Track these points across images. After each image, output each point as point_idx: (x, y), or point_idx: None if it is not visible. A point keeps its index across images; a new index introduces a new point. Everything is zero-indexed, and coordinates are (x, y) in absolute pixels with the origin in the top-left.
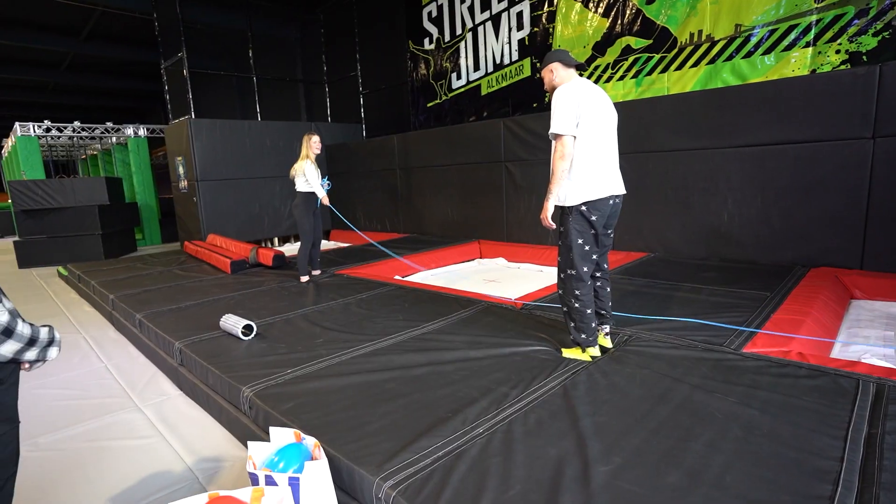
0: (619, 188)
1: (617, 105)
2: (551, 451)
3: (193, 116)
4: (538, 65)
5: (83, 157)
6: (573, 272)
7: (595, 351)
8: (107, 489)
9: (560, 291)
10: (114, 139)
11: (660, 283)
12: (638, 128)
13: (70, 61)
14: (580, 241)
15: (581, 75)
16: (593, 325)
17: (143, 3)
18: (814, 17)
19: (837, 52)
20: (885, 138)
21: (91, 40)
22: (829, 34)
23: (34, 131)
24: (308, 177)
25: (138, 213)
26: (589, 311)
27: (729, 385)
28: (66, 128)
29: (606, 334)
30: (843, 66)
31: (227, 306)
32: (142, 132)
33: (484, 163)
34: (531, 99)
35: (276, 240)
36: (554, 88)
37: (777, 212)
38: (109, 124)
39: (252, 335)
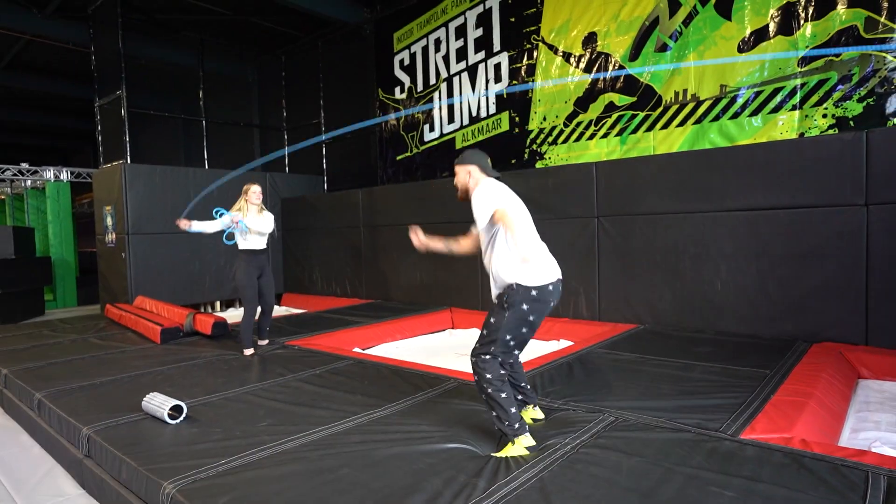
0: (559, 273)
1: (601, 164)
2: None
3: (129, 161)
4: (516, 119)
5: None
6: (495, 352)
7: (529, 440)
8: None
9: (476, 377)
10: (28, 182)
11: (649, 359)
12: (623, 189)
13: None
14: (514, 326)
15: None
16: (514, 410)
17: (80, 34)
18: (798, 81)
19: (824, 116)
20: (878, 206)
21: (11, 70)
22: (814, 98)
23: None
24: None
25: (51, 269)
26: (508, 399)
27: (726, 477)
28: None
29: (535, 406)
30: (830, 131)
31: (152, 383)
32: (64, 176)
33: (459, 222)
34: (509, 154)
35: (218, 304)
36: (467, 189)
37: (774, 281)
38: (24, 165)
39: (181, 418)
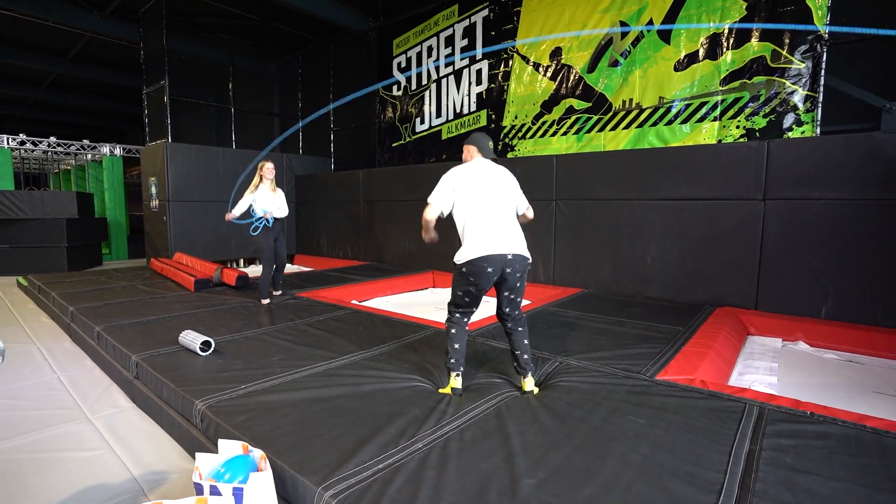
0: (509, 249)
1: (560, 157)
2: (483, 465)
3: (170, 140)
4: (493, 116)
5: (56, 170)
6: (452, 304)
7: (457, 382)
8: (44, 500)
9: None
10: (89, 156)
11: (590, 317)
12: (577, 178)
13: (53, 80)
14: (460, 293)
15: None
16: (456, 359)
17: (131, 32)
18: (719, 97)
19: (738, 127)
20: (773, 200)
21: (76, 62)
22: (731, 112)
23: (7, 143)
24: (243, 202)
25: (107, 228)
26: (457, 346)
27: (641, 408)
28: (41, 142)
29: (526, 377)
30: (742, 139)
31: (187, 323)
32: (118, 151)
33: None
34: None
35: (241, 261)
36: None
37: (692, 257)
38: (86, 142)
39: (210, 351)
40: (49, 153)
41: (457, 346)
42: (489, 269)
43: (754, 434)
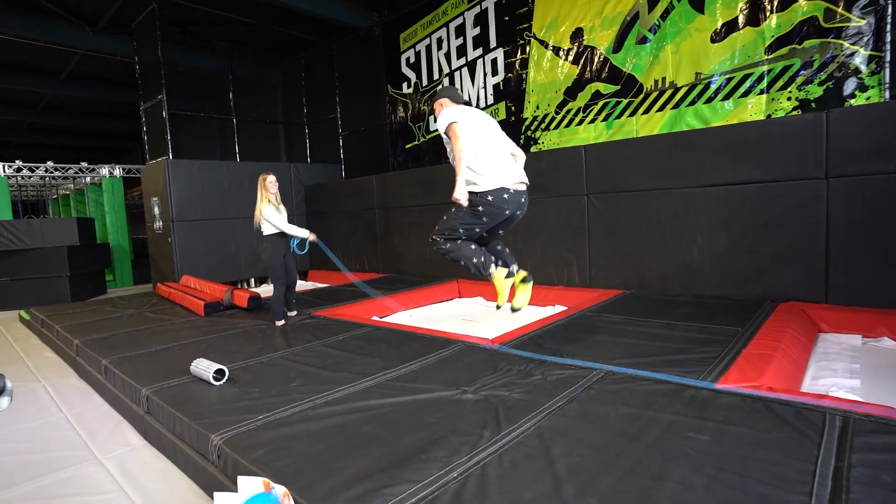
0: (523, 180)
1: (589, 147)
2: (526, 494)
3: (171, 157)
4: (512, 108)
5: (54, 196)
6: (442, 237)
7: (502, 272)
8: None
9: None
10: (87, 179)
11: (635, 320)
12: (609, 169)
13: (47, 102)
14: (459, 228)
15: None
16: (479, 256)
17: (125, 47)
18: (765, 68)
19: (789, 99)
20: (837, 178)
21: (70, 81)
22: (780, 83)
23: (4, 171)
24: (272, 220)
25: (110, 253)
26: (471, 251)
27: (702, 421)
28: (38, 167)
29: (510, 266)
30: (794, 112)
31: (198, 350)
32: (117, 172)
33: None
34: None
35: (252, 280)
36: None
37: (744, 248)
38: (84, 164)
39: (224, 380)
40: (47, 178)
41: (470, 252)
42: (507, 211)
43: (840, 448)
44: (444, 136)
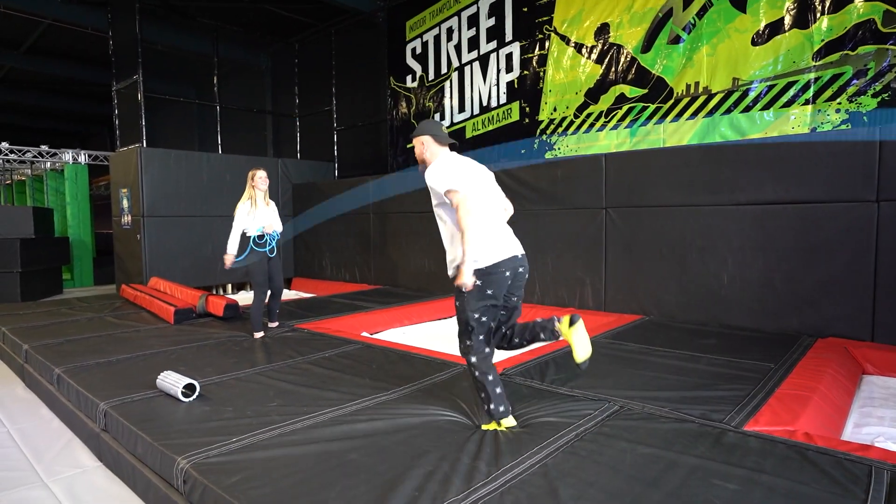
0: (519, 249)
1: (610, 156)
2: None
3: (145, 144)
4: (527, 109)
5: (8, 182)
6: (473, 335)
7: (510, 422)
8: None
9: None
10: (48, 165)
11: (654, 350)
12: (632, 181)
13: (3, 75)
14: (476, 315)
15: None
16: (502, 403)
17: (98, 19)
18: (812, 75)
19: (837, 111)
20: (888, 202)
21: (32, 54)
22: (828, 93)
23: None
24: (235, 220)
25: (69, 249)
26: (497, 389)
27: (730, 467)
28: None
29: (560, 319)
30: (843, 126)
31: (166, 362)
32: (82, 158)
33: None
34: (519, 145)
35: (229, 286)
36: (424, 161)
37: (780, 275)
38: (44, 148)
39: (194, 396)
40: (0, 161)
41: (497, 389)
42: (507, 274)
43: None
44: (436, 190)
